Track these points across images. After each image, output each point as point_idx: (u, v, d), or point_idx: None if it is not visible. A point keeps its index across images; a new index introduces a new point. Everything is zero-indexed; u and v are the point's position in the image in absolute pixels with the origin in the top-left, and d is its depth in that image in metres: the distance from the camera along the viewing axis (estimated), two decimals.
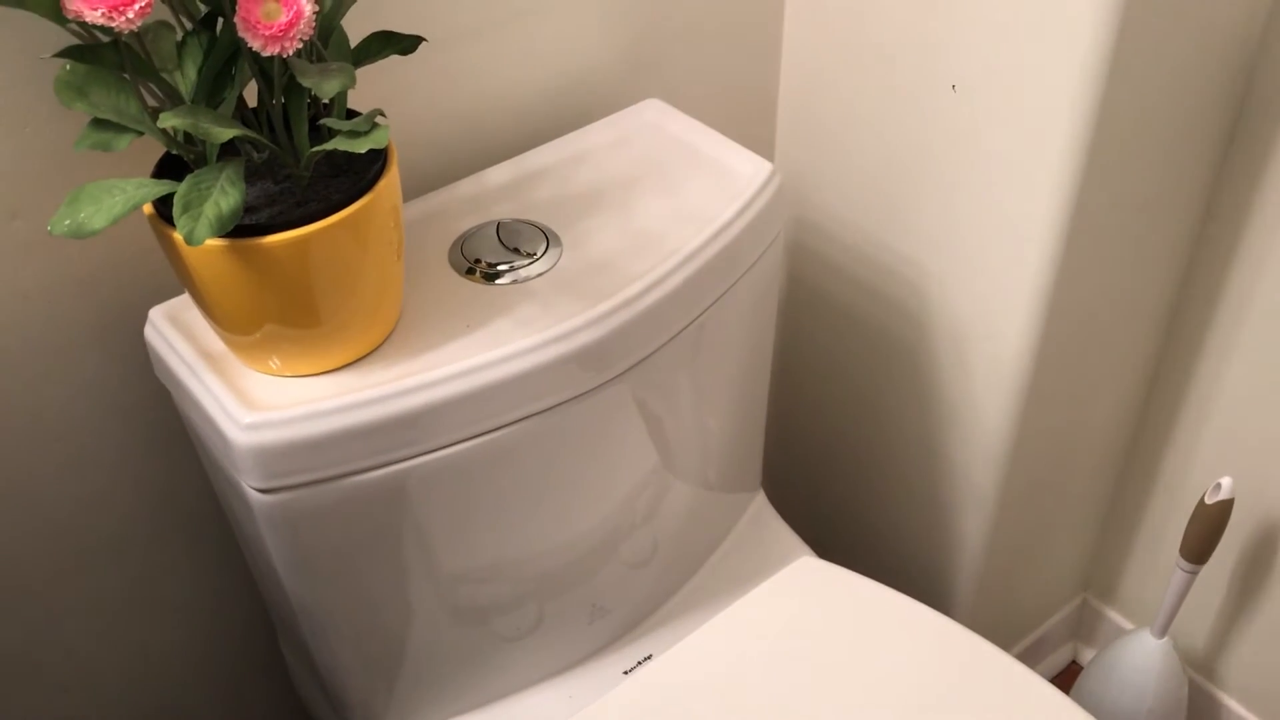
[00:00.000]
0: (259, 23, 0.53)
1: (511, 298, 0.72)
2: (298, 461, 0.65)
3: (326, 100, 0.57)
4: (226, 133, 0.56)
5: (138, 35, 0.58)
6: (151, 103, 0.61)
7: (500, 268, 0.74)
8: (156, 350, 0.71)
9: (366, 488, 0.68)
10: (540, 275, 0.74)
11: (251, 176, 0.64)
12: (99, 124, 0.61)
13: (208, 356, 0.68)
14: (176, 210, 0.57)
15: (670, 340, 0.76)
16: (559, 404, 0.71)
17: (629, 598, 0.89)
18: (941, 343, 0.99)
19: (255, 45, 0.53)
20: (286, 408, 0.65)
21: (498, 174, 0.82)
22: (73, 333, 0.74)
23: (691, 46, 0.93)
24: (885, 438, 1.10)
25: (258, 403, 0.65)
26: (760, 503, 0.99)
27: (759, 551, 0.95)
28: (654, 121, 0.87)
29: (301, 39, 0.53)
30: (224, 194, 0.58)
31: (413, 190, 0.82)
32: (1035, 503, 1.09)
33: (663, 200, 0.79)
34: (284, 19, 0.52)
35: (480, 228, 0.77)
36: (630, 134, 0.86)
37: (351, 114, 0.65)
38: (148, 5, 0.52)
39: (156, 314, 0.71)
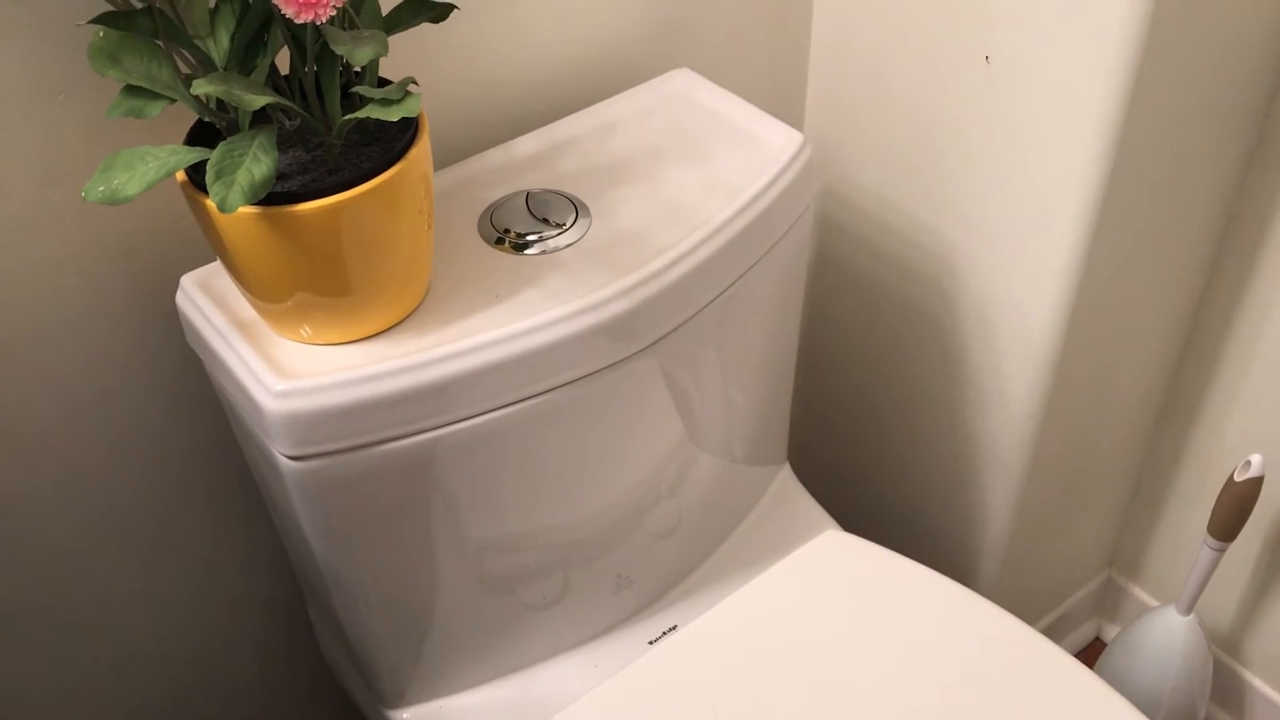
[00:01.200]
0: None
1: (540, 268, 0.72)
2: (328, 429, 0.66)
3: (359, 68, 0.57)
4: (259, 100, 0.56)
5: (171, 1, 0.58)
6: (184, 70, 0.61)
7: (529, 238, 0.74)
8: (188, 317, 0.71)
9: (396, 456, 0.68)
10: (569, 246, 0.74)
11: (283, 144, 0.64)
12: (132, 91, 0.61)
13: (239, 324, 0.69)
14: (210, 177, 0.57)
15: (699, 312, 0.76)
16: (587, 375, 0.71)
17: (654, 569, 0.90)
18: (969, 316, 0.98)
19: (289, 12, 0.53)
20: (317, 375, 0.65)
21: (527, 144, 0.82)
22: (105, 300, 0.74)
23: (721, 16, 0.93)
24: (911, 411, 1.10)
25: (289, 370, 0.66)
26: (786, 475, 0.99)
27: (784, 524, 0.95)
28: (683, 91, 0.86)
29: (335, 6, 0.53)
30: (256, 161, 0.58)
31: (442, 160, 0.82)
32: (1061, 478, 1.09)
33: (692, 171, 0.79)
34: None
35: (509, 198, 0.77)
36: (659, 104, 0.85)
37: (383, 82, 0.65)
38: None
39: (188, 281, 0.72)
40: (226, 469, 0.87)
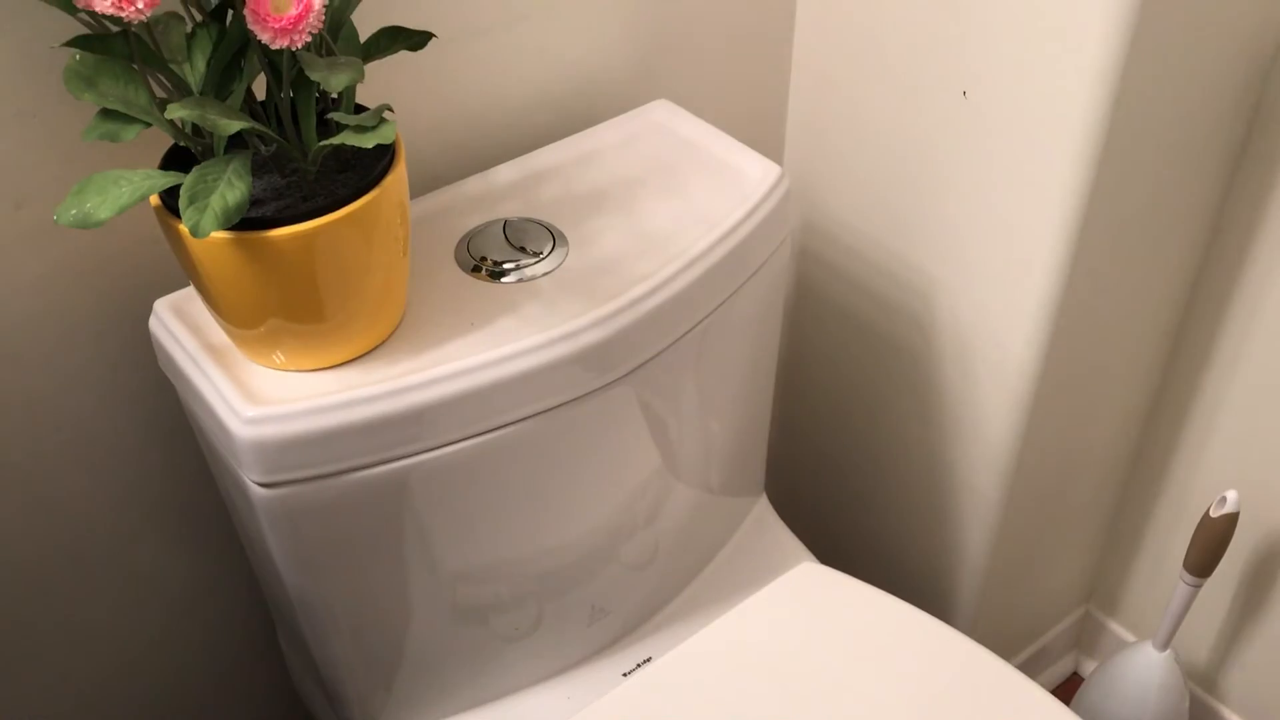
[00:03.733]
0: (268, 15, 0.52)
1: (516, 296, 0.72)
2: (299, 456, 0.65)
3: (335, 94, 0.57)
4: (234, 125, 0.56)
5: (147, 26, 0.57)
6: (160, 94, 0.61)
7: (506, 266, 0.74)
8: (160, 342, 0.71)
9: (368, 484, 0.68)
10: (546, 275, 0.73)
11: (258, 170, 0.64)
12: (107, 114, 0.61)
13: (211, 349, 0.68)
14: (183, 202, 0.56)
15: (675, 342, 0.75)
16: (562, 404, 0.71)
17: (629, 600, 0.89)
18: (947, 350, 0.98)
19: (264, 38, 0.53)
20: (289, 402, 0.65)
21: (505, 172, 0.82)
22: (76, 322, 0.74)
23: (701, 48, 0.93)
24: (889, 444, 1.10)
25: (260, 396, 0.65)
26: (763, 507, 0.98)
27: (761, 556, 0.95)
28: (663, 122, 0.87)
29: (311, 32, 0.53)
30: (230, 186, 0.57)
31: (420, 187, 0.82)
32: (1039, 513, 1.08)
33: (670, 201, 0.79)
34: (294, 12, 0.52)
35: (487, 226, 0.77)
36: (639, 135, 0.85)
37: (360, 109, 0.65)
38: None
39: (161, 305, 0.71)
40: (199, 494, 0.86)
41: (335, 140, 0.56)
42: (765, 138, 1.03)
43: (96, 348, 0.75)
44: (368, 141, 0.55)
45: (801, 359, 1.15)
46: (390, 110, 0.58)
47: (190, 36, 0.60)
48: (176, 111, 0.55)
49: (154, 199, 0.62)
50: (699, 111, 0.96)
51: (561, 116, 0.88)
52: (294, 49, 0.53)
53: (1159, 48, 0.77)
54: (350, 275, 0.64)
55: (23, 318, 0.72)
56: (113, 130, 0.61)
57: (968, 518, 1.05)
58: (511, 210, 0.78)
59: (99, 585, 0.85)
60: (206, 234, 0.56)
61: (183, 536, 0.88)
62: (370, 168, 0.63)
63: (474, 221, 0.77)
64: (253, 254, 0.60)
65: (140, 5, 0.52)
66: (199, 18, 0.60)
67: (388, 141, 0.56)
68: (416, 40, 0.64)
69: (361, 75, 0.55)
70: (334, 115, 0.58)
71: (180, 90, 0.59)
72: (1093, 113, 0.79)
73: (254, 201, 0.62)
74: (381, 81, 0.76)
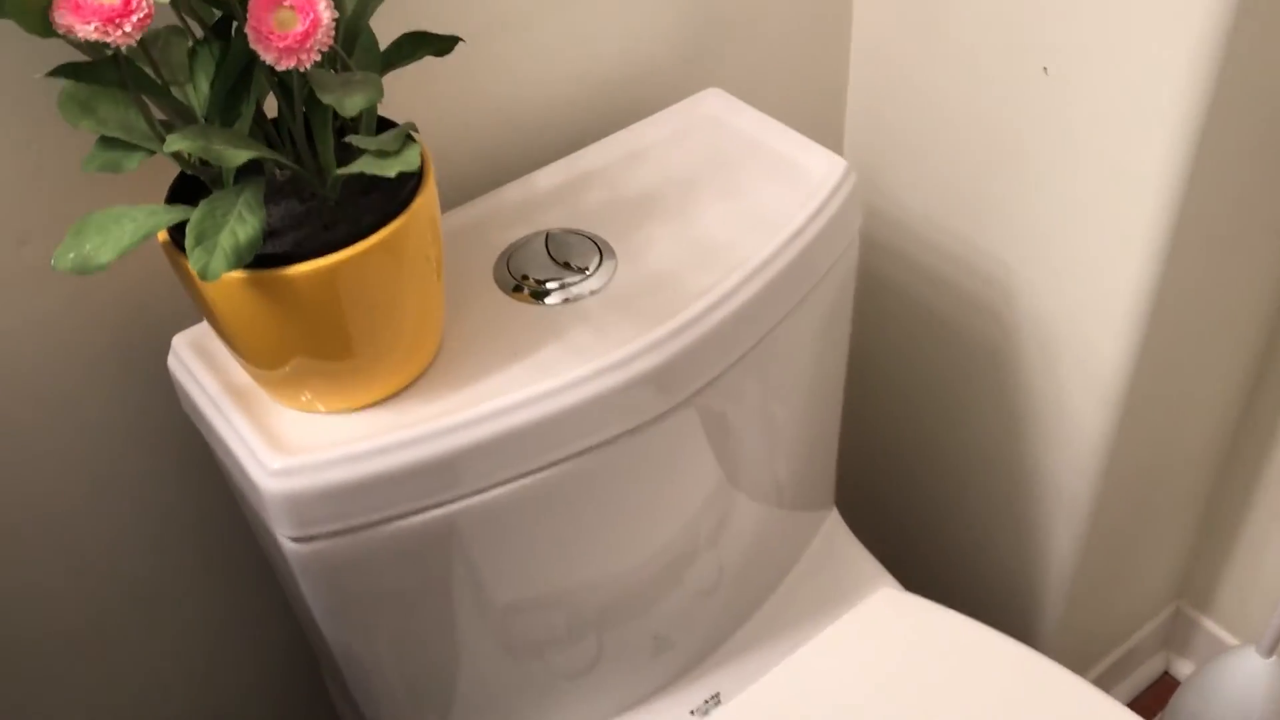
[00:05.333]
0: (272, 33, 0.46)
1: (562, 319, 0.66)
2: (333, 508, 0.60)
3: (350, 117, 0.51)
4: (241, 154, 0.50)
5: (143, 45, 0.52)
6: (163, 117, 0.55)
7: (549, 285, 0.67)
8: (179, 381, 0.65)
9: (410, 532, 0.62)
10: (593, 293, 0.67)
11: (275, 195, 0.58)
12: (108, 142, 0.55)
13: (233, 391, 0.63)
14: (189, 242, 0.51)
15: (737, 361, 0.69)
16: (617, 436, 0.65)
17: (695, 629, 0.83)
18: (1029, 347, 0.91)
19: (268, 58, 0.47)
20: (319, 450, 0.59)
21: (546, 177, 0.75)
22: (92, 360, 0.69)
23: (754, 30, 0.86)
24: (966, 447, 1.03)
25: (288, 445, 0.60)
26: (834, 522, 0.92)
27: (833, 576, 0.88)
28: (715, 114, 0.80)
29: (320, 50, 0.47)
30: (241, 222, 0.52)
31: (454, 198, 0.76)
32: (1129, 513, 1.01)
33: (726, 204, 0.72)
34: (299, 29, 0.46)
35: (527, 240, 0.70)
36: (689, 128, 0.78)
37: (384, 124, 0.59)
38: (147, 16, 0.46)
39: (180, 341, 0.66)
40: (233, 529, 0.81)
41: (353, 169, 0.50)
42: (824, 122, 0.96)
43: (115, 385, 0.70)
44: (389, 169, 0.49)
45: (868, 355, 1.08)
46: (415, 130, 0.52)
47: (192, 55, 0.54)
48: (176, 143, 0.49)
49: (162, 235, 0.56)
50: (752, 97, 0.88)
51: (606, 112, 0.81)
52: (301, 70, 0.47)
53: (1272, 16, 0.69)
54: (380, 308, 0.58)
55: (34, 356, 0.66)
56: (114, 160, 0.55)
57: (1054, 523, 0.98)
58: (553, 220, 0.72)
59: (141, 638, 0.81)
60: (216, 276, 0.50)
61: (224, 579, 0.83)
62: (397, 188, 0.57)
63: (513, 235, 0.71)
64: (269, 293, 0.55)
65: (128, 28, 0.45)
66: (200, 33, 0.54)
67: (411, 169, 0.49)
68: (442, 45, 0.58)
69: (380, 94, 0.49)
70: (352, 139, 0.52)
71: (182, 116, 0.53)
72: (1194, 90, 0.71)
73: (270, 233, 0.57)
74: (407, 83, 0.70)
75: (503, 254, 0.70)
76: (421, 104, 0.71)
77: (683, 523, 0.76)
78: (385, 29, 0.61)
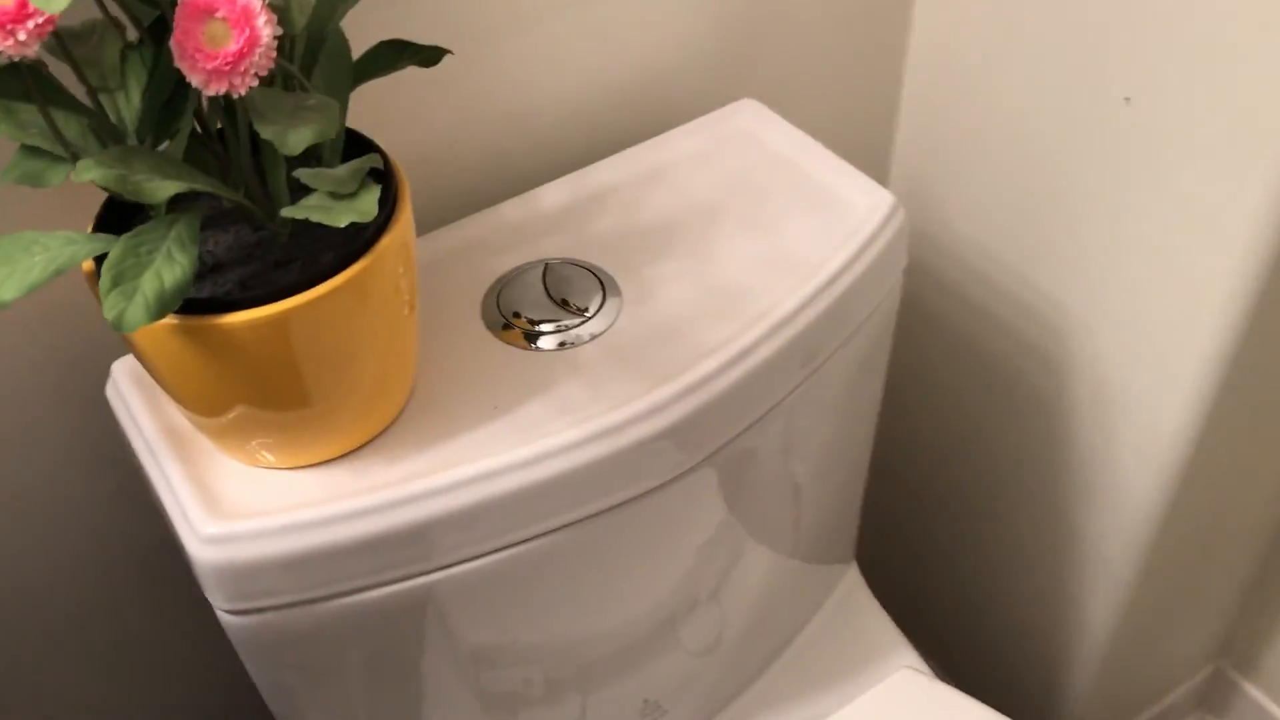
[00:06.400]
0: (199, 50, 0.38)
1: (555, 368, 0.57)
2: (275, 581, 0.52)
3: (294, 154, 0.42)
4: (167, 187, 0.42)
5: (63, 44, 0.43)
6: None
7: (543, 326, 0.59)
8: (116, 414, 0.58)
9: (366, 607, 0.54)
10: (593, 338, 0.58)
11: (223, 220, 0.50)
12: (30, 151, 0.47)
13: (172, 434, 0.55)
14: (104, 285, 0.43)
15: (755, 422, 0.60)
16: (613, 506, 0.57)
17: (691, 694, 0.75)
18: (1081, 400, 0.82)
19: (195, 80, 0.38)
20: (263, 515, 0.51)
21: (549, 195, 0.66)
22: (24, 383, 0.61)
23: (798, 31, 0.76)
24: (1001, 502, 0.94)
25: (227, 506, 0.52)
26: (852, 579, 0.84)
27: (848, 643, 0.80)
28: (748, 129, 0.70)
29: (257, 74, 0.38)
30: (170, 263, 0.43)
31: (443, 214, 0.67)
32: (1174, 581, 0.92)
33: (752, 239, 0.63)
34: (233, 47, 0.37)
35: (522, 271, 0.62)
36: (718, 145, 0.69)
37: (354, 142, 0.50)
38: (47, 24, 0.37)
39: (120, 369, 0.58)
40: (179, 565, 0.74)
41: (297, 212, 0.42)
42: (872, 135, 0.86)
43: (52, 409, 0.62)
44: (338, 219, 0.41)
45: (899, 391, 0.99)
46: (381, 160, 0.43)
47: (123, 59, 0.45)
48: (88, 172, 0.41)
49: (87, 264, 0.48)
50: (792, 107, 0.79)
51: (619, 122, 0.72)
52: (235, 95, 0.38)
53: None
54: (340, 355, 0.50)
55: None
56: (35, 171, 0.47)
57: (1091, 589, 0.89)
58: (553, 248, 0.63)
59: (85, 669, 0.74)
60: (133, 328, 0.42)
61: (175, 602, 0.75)
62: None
63: (507, 263, 0.62)
64: (206, 342, 0.46)
65: (22, 36, 0.37)
66: (134, 35, 0.45)
67: (365, 219, 0.41)
68: (427, 56, 0.49)
69: (334, 127, 0.41)
70: (302, 174, 0.43)
71: (108, 133, 0.45)
72: None
73: (214, 266, 0.49)
74: (394, 81, 0.61)
75: (493, 286, 0.61)
76: (409, 105, 0.63)
77: (682, 578, 0.68)
78: (369, 29, 0.52)
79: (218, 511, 0.51)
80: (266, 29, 0.37)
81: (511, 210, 0.65)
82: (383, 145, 0.51)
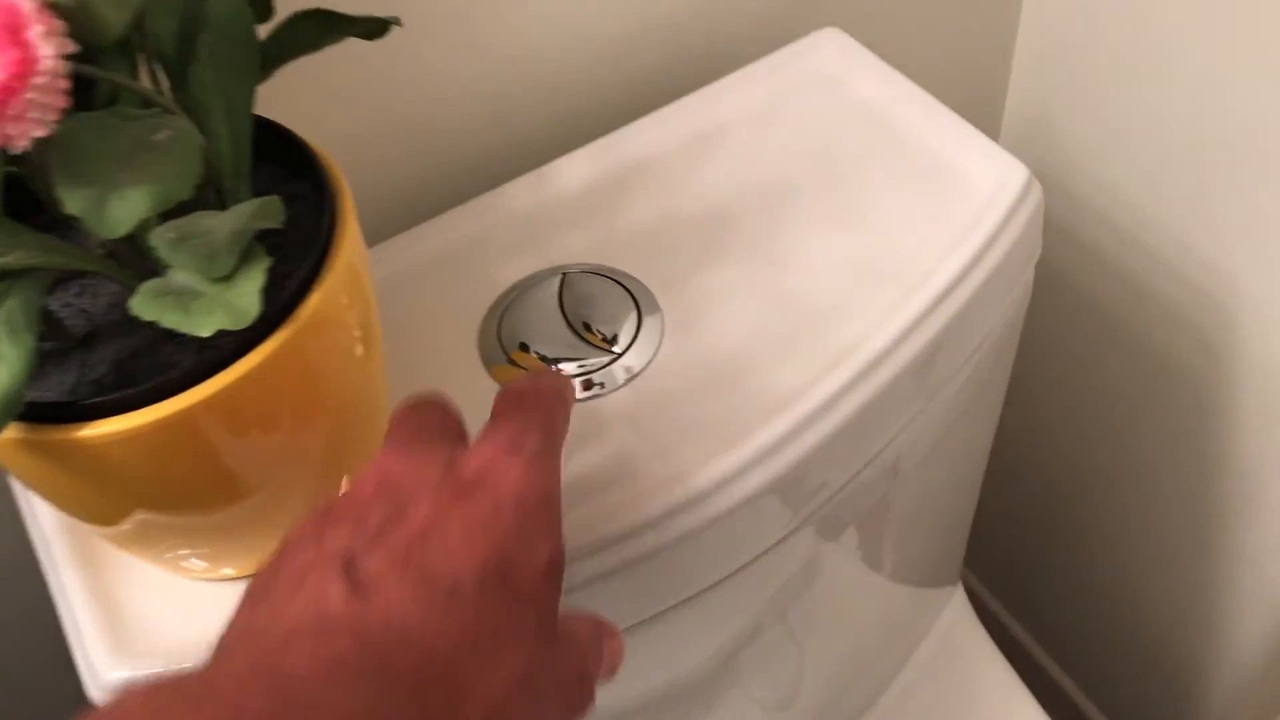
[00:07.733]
0: None
1: (576, 424, 0.43)
2: None
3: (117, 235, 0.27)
4: None
5: None
6: None
7: (561, 366, 0.44)
8: (17, 500, 0.45)
9: None
10: (628, 380, 0.44)
11: (96, 278, 0.36)
12: None
13: (75, 531, 0.41)
14: None
15: (853, 478, 0.46)
16: (665, 610, 0.43)
17: None
18: (1247, 386, 0.66)
19: None
20: (184, 649, 0.38)
21: (568, 171, 0.51)
22: None
23: None
24: (1143, 505, 0.78)
25: (136, 638, 0.39)
26: (957, 607, 0.69)
27: (952, 690, 0.66)
28: (828, 70, 0.54)
29: (47, 119, 0.23)
30: None
31: (431, 201, 0.52)
32: None
33: (836, 228, 0.48)
34: None
35: (533, 284, 0.47)
36: (791, 94, 0.53)
37: (273, 138, 0.35)
38: None
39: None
40: None
41: (146, 313, 0.27)
42: (985, 66, 0.68)
43: None
44: (198, 325, 0.26)
45: (1020, 375, 0.82)
46: (279, 219, 0.28)
47: None
48: None
49: None
50: (884, 41, 0.61)
51: (662, 67, 0.56)
52: (12, 151, 0.23)
53: None
54: (272, 437, 0.36)
55: None
56: None
57: (1244, 611, 0.75)
58: (573, 247, 0.48)
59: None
60: None
61: None
62: (295, 245, 0.34)
63: (512, 271, 0.47)
64: (70, 458, 0.33)
65: None
66: None
67: (239, 324, 0.26)
68: (367, 28, 0.34)
69: (191, 177, 0.26)
70: (157, 237, 0.28)
71: None
72: None
73: (86, 336, 0.35)
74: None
75: (494, 307, 0.46)
76: (374, 56, 0.47)
77: (752, 623, 0.54)
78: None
79: (122, 644, 0.38)
80: (48, 47, 0.22)
81: (517, 194, 0.50)
82: (336, 120, 0.36)
